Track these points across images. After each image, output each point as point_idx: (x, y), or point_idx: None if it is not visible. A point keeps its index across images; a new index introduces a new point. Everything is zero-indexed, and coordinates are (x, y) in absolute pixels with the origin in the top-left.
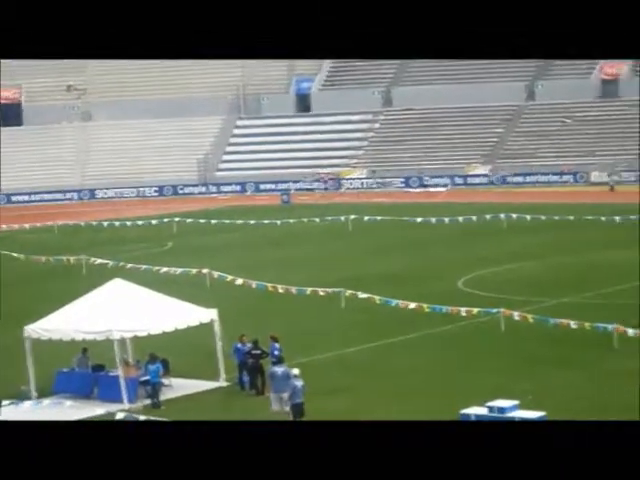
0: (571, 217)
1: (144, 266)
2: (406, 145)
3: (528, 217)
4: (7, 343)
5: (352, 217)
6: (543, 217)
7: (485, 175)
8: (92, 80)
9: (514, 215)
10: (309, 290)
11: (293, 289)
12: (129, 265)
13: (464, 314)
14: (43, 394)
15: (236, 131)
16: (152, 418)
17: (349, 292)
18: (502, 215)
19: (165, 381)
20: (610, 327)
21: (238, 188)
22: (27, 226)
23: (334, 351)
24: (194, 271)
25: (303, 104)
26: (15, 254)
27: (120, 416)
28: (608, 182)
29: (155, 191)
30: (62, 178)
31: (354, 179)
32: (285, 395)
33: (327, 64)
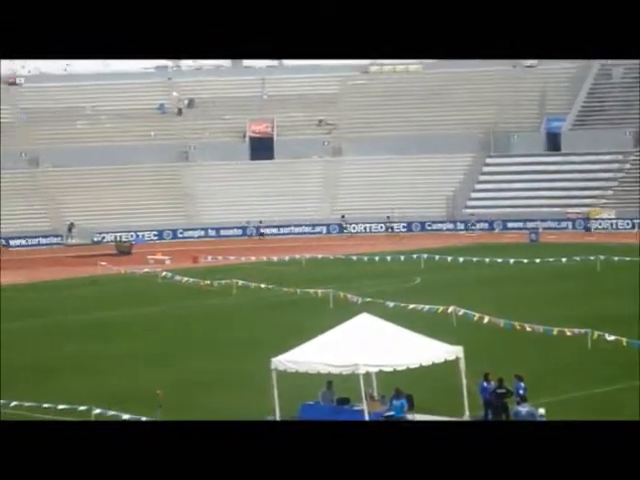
0: None
1: (391, 302)
2: None
3: None
4: (253, 373)
5: (601, 257)
6: None
7: None
8: (343, 115)
9: None
10: (556, 330)
11: (540, 328)
12: (376, 300)
13: None
14: None
15: (485, 169)
16: None
17: (597, 333)
18: None
19: (409, 417)
20: None
21: (486, 226)
22: (275, 258)
23: (579, 391)
24: (440, 308)
25: (553, 143)
26: (263, 285)
27: None
28: None
29: (404, 227)
30: (311, 212)
31: (603, 219)
32: None
33: (579, 103)
